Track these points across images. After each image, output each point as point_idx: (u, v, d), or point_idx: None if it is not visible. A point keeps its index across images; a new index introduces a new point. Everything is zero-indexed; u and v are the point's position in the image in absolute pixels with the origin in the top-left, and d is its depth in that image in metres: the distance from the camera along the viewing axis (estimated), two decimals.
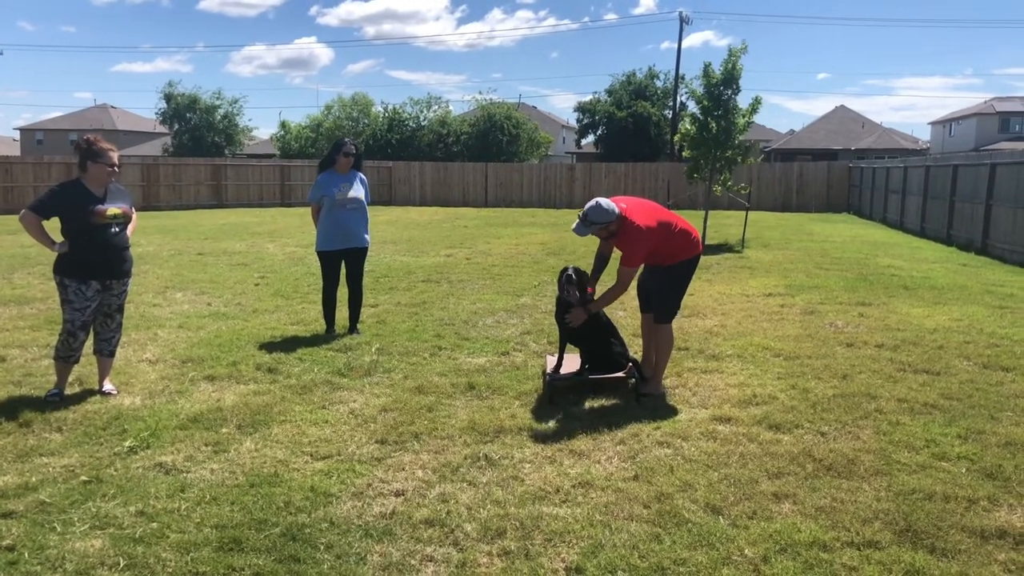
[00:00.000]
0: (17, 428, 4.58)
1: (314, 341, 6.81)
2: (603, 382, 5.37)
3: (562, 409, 5.01)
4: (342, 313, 7.26)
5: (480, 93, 55.60)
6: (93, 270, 5.04)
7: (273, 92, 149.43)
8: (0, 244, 14.77)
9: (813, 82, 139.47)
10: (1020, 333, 7.29)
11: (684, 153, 16.99)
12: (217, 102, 43.08)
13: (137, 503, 3.64)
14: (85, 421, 4.72)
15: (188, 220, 22.14)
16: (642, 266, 5.41)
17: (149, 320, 7.72)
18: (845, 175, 28.99)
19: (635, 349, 6.02)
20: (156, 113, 44.34)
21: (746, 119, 15.88)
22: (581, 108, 47.43)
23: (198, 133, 42.39)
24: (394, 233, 18.02)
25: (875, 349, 6.66)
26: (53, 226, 4.96)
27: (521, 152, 40.86)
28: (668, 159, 38.34)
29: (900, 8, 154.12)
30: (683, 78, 37.33)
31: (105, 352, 5.33)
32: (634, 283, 5.63)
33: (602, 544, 3.30)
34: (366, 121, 42.10)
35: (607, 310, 5.64)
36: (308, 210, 7.42)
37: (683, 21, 40.83)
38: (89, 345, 5.29)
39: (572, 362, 5.49)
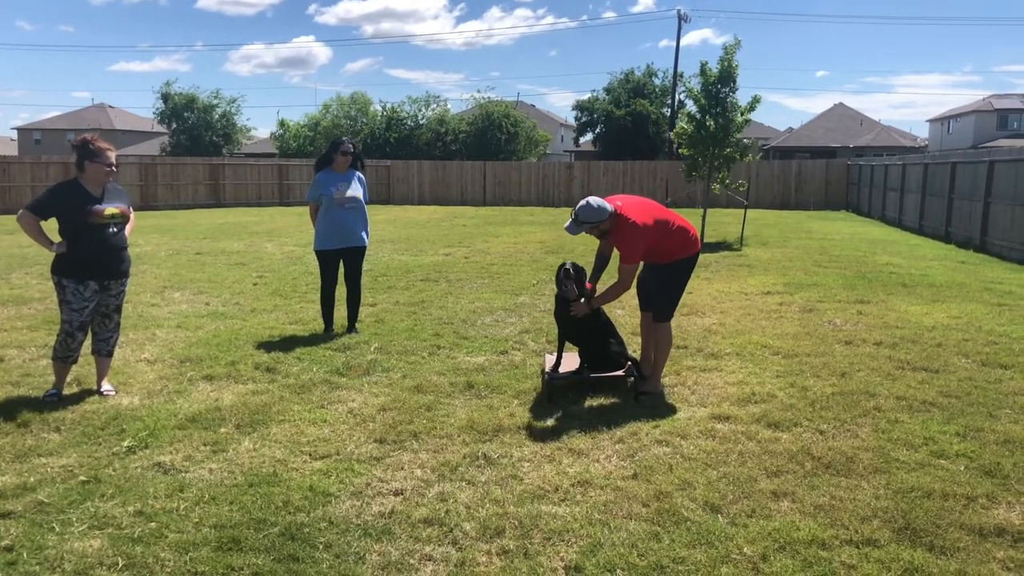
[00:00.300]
0: (15, 428, 4.58)
1: (312, 340, 6.80)
2: (602, 381, 5.37)
3: (561, 408, 5.01)
4: (340, 312, 7.26)
5: (478, 92, 55.62)
6: (91, 270, 5.03)
7: (271, 91, 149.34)
8: None
9: (812, 80, 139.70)
10: (1018, 330, 7.30)
11: (682, 151, 16.99)
12: (215, 101, 43.05)
13: (136, 503, 3.63)
14: (83, 421, 4.71)
15: (186, 219, 22.12)
16: (642, 264, 5.42)
17: (147, 320, 7.71)
18: (843, 173, 29.00)
19: (634, 348, 6.02)
20: (154, 112, 44.32)
21: (744, 117, 15.88)
22: (579, 106, 47.43)
23: (196, 132, 42.34)
24: (392, 232, 18.01)
25: (874, 347, 6.66)
26: (51, 226, 4.95)
27: (519, 151, 40.86)
28: (666, 157, 38.33)
29: (899, 6, 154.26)
30: (681, 76, 37.34)
31: (103, 352, 5.33)
32: (634, 281, 5.63)
33: (601, 543, 3.30)
34: (364, 120, 42.08)
35: (607, 309, 5.64)
36: (306, 209, 7.42)
37: (681, 19, 40.91)
38: (87, 345, 5.28)
39: (571, 361, 5.49)
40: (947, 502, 3.67)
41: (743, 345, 6.69)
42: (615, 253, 5.40)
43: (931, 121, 55.63)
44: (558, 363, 5.42)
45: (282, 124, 44.45)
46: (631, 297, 6.16)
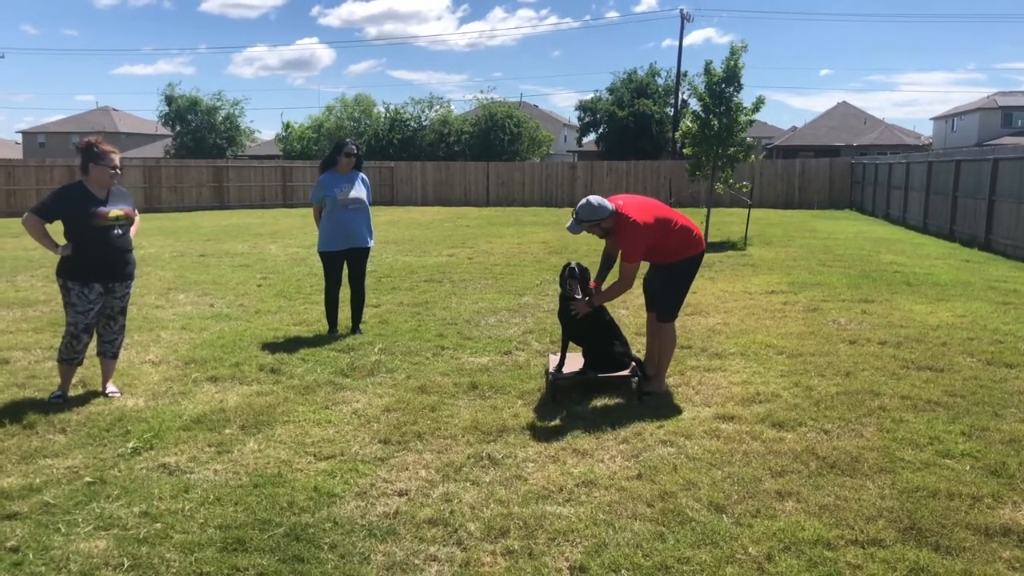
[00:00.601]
0: (21, 430, 4.59)
1: (317, 341, 6.81)
2: (606, 381, 5.37)
3: (565, 408, 5.01)
4: (344, 313, 7.27)
5: (481, 92, 55.61)
6: (96, 272, 5.05)
7: (275, 93, 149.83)
8: (3, 247, 14.81)
9: (815, 78, 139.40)
10: (1023, 329, 7.28)
11: (686, 151, 16.97)
12: (218, 103, 43.09)
13: (141, 504, 3.64)
14: (89, 423, 4.73)
15: (190, 222, 22.17)
16: (648, 264, 5.41)
17: (152, 322, 7.73)
18: (847, 171, 28.93)
19: (638, 348, 6.01)
20: (157, 115, 44.33)
21: (748, 117, 15.85)
22: (582, 106, 47.35)
23: (199, 135, 42.37)
24: (396, 233, 18.02)
25: (878, 346, 6.65)
26: (56, 229, 4.97)
27: (523, 151, 40.82)
28: (670, 157, 38.27)
29: (902, 4, 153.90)
30: (685, 75, 37.31)
31: (108, 354, 5.34)
32: (640, 281, 5.63)
33: (606, 543, 3.30)
34: (368, 121, 42.08)
35: (610, 309, 5.63)
36: (310, 211, 7.43)
37: (684, 19, 40.77)
38: (92, 347, 5.30)
39: (575, 361, 5.48)
40: (952, 502, 3.66)
41: (747, 345, 6.68)
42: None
43: (935, 119, 55.47)
44: (562, 363, 5.42)
45: (287, 127, 44.50)
46: (635, 297, 6.16)
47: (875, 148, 42.37)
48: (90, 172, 5.03)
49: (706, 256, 5.61)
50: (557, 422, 4.77)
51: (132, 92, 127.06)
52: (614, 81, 46.50)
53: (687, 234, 5.32)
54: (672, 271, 5.32)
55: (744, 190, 16.95)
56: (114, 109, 66.98)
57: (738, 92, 15.87)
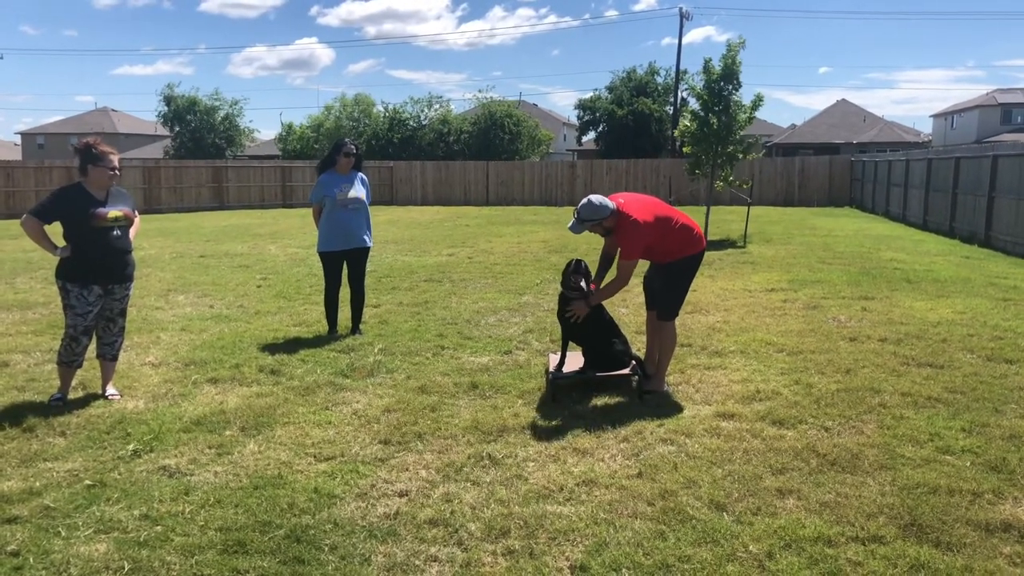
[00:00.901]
0: (21, 433, 4.59)
1: (316, 342, 6.81)
2: (606, 380, 5.37)
3: (565, 407, 5.01)
4: (344, 314, 7.26)
5: (480, 91, 55.51)
6: (95, 274, 5.04)
7: (274, 93, 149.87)
8: (2, 249, 14.81)
9: (814, 76, 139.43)
10: (1023, 325, 7.27)
11: (685, 149, 16.96)
12: (217, 104, 43.03)
13: (141, 507, 3.64)
14: (88, 425, 4.72)
15: (189, 222, 22.17)
16: (648, 263, 5.41)
17: (151, 323, 7.73)
18: (847, 169, 28.93)
19: (638, 346, 6.01)
20: (156, 115, 44.30)
21: (747, 115, 15.85)
22: (582, 105, 47.32)
23: (199, 135, 42.33)
24: (396, 233, 18.02)
25: (878, 343, 6.65)
26: (55, 230, 4.97)
27: (522, 150, 40.79)
28: (669, 155, 38.26)
29: (901, 1, 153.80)
30: (684, 73, 37.28)
31: (108, 356, 5.34)
32: (640, 280, 5.63)
33: (606, 542, 3.30)
34: (367, 121, 42.03)
35: (609, 308, 5.63)
36: (309, 211, 7.43)
37: (683, 17, 40.78)
38: (92, 349, 5.30)
39: (575, 360, 5.48)
40: (953, 498, 3.66)
41: (747, 343, 6.68)
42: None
43: (934, 116, 55.43)
44: (562, 363, 5.41)
45: (288, 128, 44.48)
46: (635, 295, 6.16)
47: (875, 145, 42.36)
48: (89, 173, 5.02)
49: (706, 254, 5.60)
50: (557, 421, 4.77)
51: (131, 93, 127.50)
52: (613, 80, 46.49)
53: (688, 233, 5.31)
54: (672, 270, 5.32)
55: (744, 187, 16.95)
56: (113, 110, 66.96)
57: (737, 90, 15.87)
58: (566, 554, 3.22)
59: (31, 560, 3.18)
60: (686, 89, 23.89)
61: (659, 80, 45.98)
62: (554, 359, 5.54)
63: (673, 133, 22.04)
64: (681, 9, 40.62)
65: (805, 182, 29.31)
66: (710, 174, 16.42)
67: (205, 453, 4.31)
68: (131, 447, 4.35)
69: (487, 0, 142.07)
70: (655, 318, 5.48)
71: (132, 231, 5.27)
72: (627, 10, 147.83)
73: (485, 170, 32.54)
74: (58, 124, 65.15)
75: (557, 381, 5.26)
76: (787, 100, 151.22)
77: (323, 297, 7.23)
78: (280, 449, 4.36)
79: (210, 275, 11.16)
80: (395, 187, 32.68)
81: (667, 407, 5.02)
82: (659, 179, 29.53)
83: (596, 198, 5.13)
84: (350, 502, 3.70)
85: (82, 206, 4.96)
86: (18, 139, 67.37)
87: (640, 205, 5.20)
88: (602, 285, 5.44)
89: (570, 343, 5.51)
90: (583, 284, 5.28)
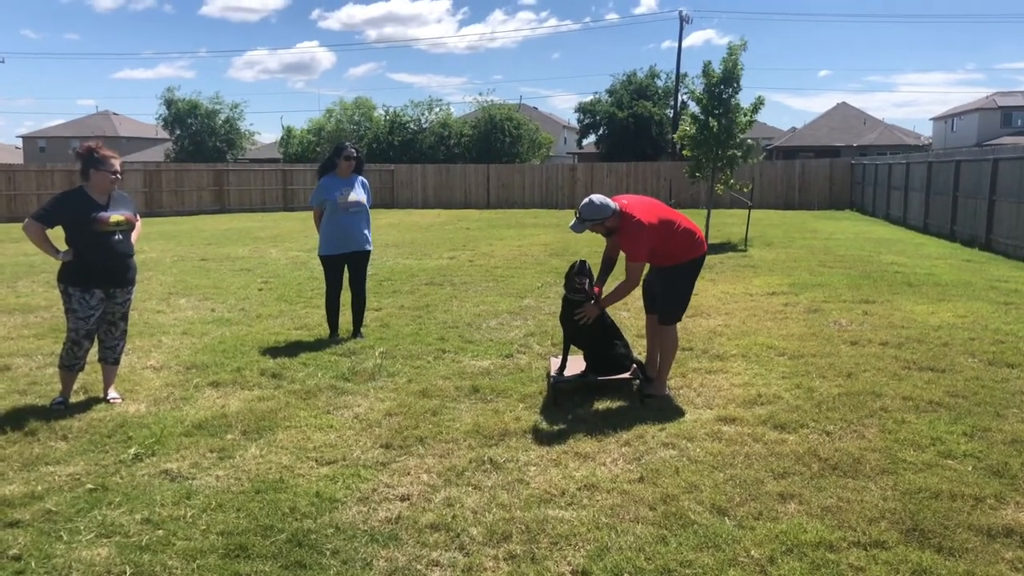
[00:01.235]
0: (23, 437, 4.59)
1: (318, 346, 6.81)
2: (607, 384, 5.37)
3: (566, 411, 5.01)
4: (346, 317, 7.27)
5: (481, 95, 55.57)
6: (97, 278, 5.05)
7: (275, 96, 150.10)
8: (4, 252, 14.82)
9: (814, 79, 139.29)
10: None
11: (685, 152, 16.96)
12: (217, 107, 43.08)
13: (143, 511, 3.64)
14: (90, 429, 4.72)
15: (191, 226, 22.18)
16: (648, 266, 5.41)
17: (153, 327, 7.73)
18: (847, 172, 28.93)
19: (639, 350, 6.01)
20: (157, 119, 44.33)
21: (748, 118, 15.85)
22: (582, 108, 47.38)
23: (199, 138, 42.37)
24: (397, 236, 18.03)
25: (879, 347, 6.64)
26: (57, 234, 4.97)
27: (523, 153, 40.82)
28: (670, 158, 38.29)
29: (901, 4, 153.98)
30: (684, 76, 37.28)
31: (110, 360, 5.34)
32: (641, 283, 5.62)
33: (608, 547, 3.30)
34: (368, 124, 42.06)
35: (611, 313, 5.63)
36: (310, 214, 7.44)
37: (683, 20, 40.84)
38: (94, 353, 5.30)
39: (576, 364, 5.48)
40: (955, 503, 3.66)
41: (748, 346, 6.68)
42: (621, 256, 5.40)
43: (935, 119, 55.46)
44: (563, 366, 5.41)
45: (288, 131, 44.52)
46: (636, 299, 6.15)
47: (875, 148, 42.38)
48: (91, 178, 5.03)
49: (707, 258, 5.61)
50: (559, 425, 4.76)
51: (132, 96, 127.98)
52: (614, 83, 46.55)
53: (689, 236, 5.32)
54: (673, 274, 5.32)
55: (745, 190, 16.95)
56: (114, 113, 67.05)
57: (737, 93, 15.86)
58: (568, 559, 3.22)
59: (33, 564, 3.18)
60: (686, 92, 23.93)
61: (659, 83, 46.06)
62: (555, 363, 5.54)
63: (673, 137, 22.00)
64: (681, 12, 40.71)
65: (805, 185, 29.32)
66: (710, 177, 16.43)
67: (207, 457, 4.31)
68: (133, 451, 4.35)
69: (488, 3, 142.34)
70: (656, 322, 5.48)
71: (134, 235, 5.28)
72: (627, 13, 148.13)
73: (486, 173, 32.56)
74: (59, 128, 65.21)
75: (558, 385, 5.26)
76: (787, 103, 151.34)
77: (324, 301, 7.23)
78: (281, 453, 4.36)
79: (211, 279, 11.17)
80: (396, 190, 32.70)
81: (668, 411, 5.02)
82: (659, 182, 29.53)
83: (597, 198, 5.15)
84: (352, 506, 3.70)
85: (84, 210, 4.97)
86: (19, 143, 67.43)
87: (643, 207, 5.21)
88: (605, 287, 5.45)
89: (571, 347, 5.51)
90: (588, 285, 5.29)
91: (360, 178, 7.11)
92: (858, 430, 4.65)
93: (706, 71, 15.88)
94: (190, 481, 3.99)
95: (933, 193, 18.53)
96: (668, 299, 5.36)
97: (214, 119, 42.97)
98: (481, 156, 38.60)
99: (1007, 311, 8.21)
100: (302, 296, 9.51)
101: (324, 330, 7.26)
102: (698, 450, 4.35)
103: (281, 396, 5.38)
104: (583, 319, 5.23)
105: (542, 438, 4.55)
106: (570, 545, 3.33)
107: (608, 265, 5.56)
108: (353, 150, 7.04)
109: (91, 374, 5.53)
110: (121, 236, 5.12)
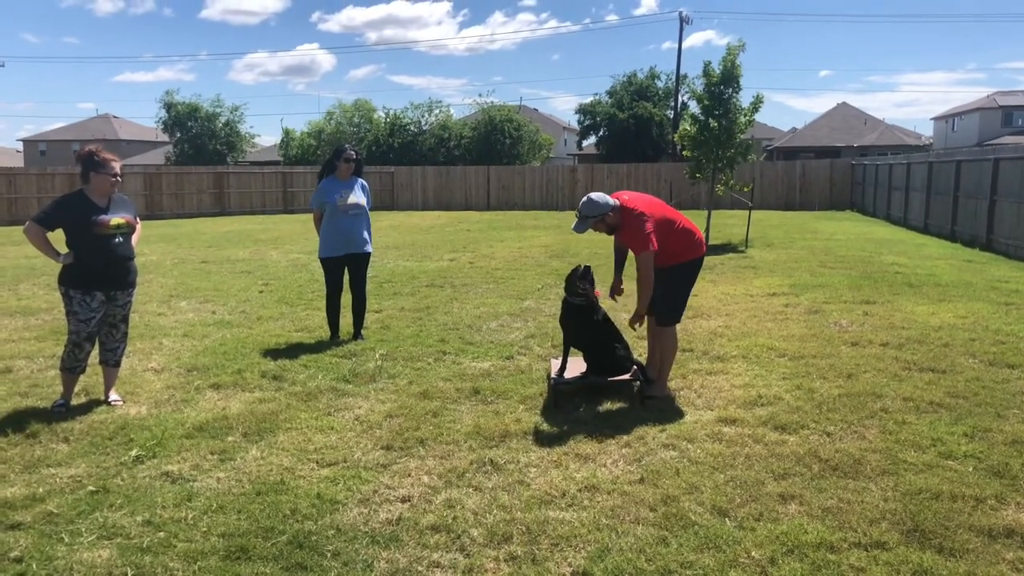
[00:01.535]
0: (24, 439, 4.60)
1: (318, 348, 6.82)
2: (608, 385, 5.37)
3: (567, 413, 5.01)
4: (346, 319, 7.27)
5: (481, 96, 55.61)
6: (97, 281, 5.05)
7: (275, 99, 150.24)
8: (5, 255, 14.83)
9: (815, 80, 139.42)
10: None
11: (685, 153, 16.97)
12: (217, 110, 43.11)
13: (144, 512, 3.64)
14: (91, 431, 4.73)
15: (191, 228, 22.20)
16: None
17: (154, 329, 7.74)
18: (848, 172, 28.93)
19: (639, 351, 6.01)
20: (157, 122, 44.37)
21: (747, 118, 15.86)
22: (582, 110, 47.39)
23: (199, 141, 42.39)
24: (397, 238, 18.04)
25: (880, 348, 6.64)
26: (58, 237, 4.98)
27: (523, 155, 40.83)
28: (670, 159, 38.30)
29: (901, 4, 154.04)
30: (684, 77, 37.27)
31: (111, 362, 5.35)
32: None
33: (609, 548, 3.30)
34: (368, 127, 42.10)
35: (611, 313, 5.64)
36: (310, 216, 7.44)
37: (683, 21, 40.83)
38: (95, 355, 5.31)
39: (577, 365, 5.48)
40: (955, 504, 3.66)
41: (749, 347, 6.68)
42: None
43: (935, 119, 55.45)
44: (563, 368, 5.42)
45: (288, 134, 44.56)
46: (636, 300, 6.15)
47: (875, 149, 42.38)
48: (91, 180, 5.04)
49: (707, 258, 5.62)
50: (559, 427, 4.77)
51: (133, 99, 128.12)
52: (614, 84, 46.58)
53: (689, 237, 5.32)
54: (673, 274, 5.32)
55: (745, 191, 16.95)
56: (115, 116, 67.08)
57: (737, 93, 15.88)
58: (568, 560, 3.22)
59: (34, 566, 3.19)
60: (686, 93, 23.98)
61: (659, 84, 46.07)
62: (556, 364, 5.55)
63: (673, 137, 22.02)
64: (681, 13, 40.67)
65: (806, 186, 29.32)
66: (711, 178, 16.43)
67: (208, 459, 4.32)
68: (134, 453, 4.36)
69: (488, 5, 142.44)
70: (655, 323, 5.49)
71: (134, 238, 5.29)
72: (627, 14, 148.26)
73: (486, 175, 32.57)
74: (60, 131, 65.28)
75: (559, 386, 5.26)
76: (787, 103, 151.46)
77: (325, 302, 7.24)
78: (282, 455, 4.37)
79: (212, 281, 11.18)
80: (396, 192, 32.71)
81: (669, 412, 5.02)
82: (660, 183, 29.53)
83: (596, 195, 5.17)
84: (352, 508, 3.70)
85: (84, 213, 4.98)
86: (20, 146, 67.47)
87: (645, 202, 5.25)
88: (623, 285, 5.54)
89: (572, 348, 5.51)
90: (590, 291, 5.31)
91: (360, 180, 7.11)
92: (859, 431, 4.66)
93: (706, 71, 15.90)
94: (191, 483, 4.00)
95: (934, 193, 18.53)
96: (667, 300, 5.36)
97: (214, 122, 42.99)
98: (481, 158, 38.61)
99: (1008, 312, 8.21)
100: (303, 298, 9.52)
101: (325, 332, 7.27)
102: (699, 451, 4.35)
103: (282, 398, 5.38)
104: (635, 326, 5.26)
105: (543, 439, 4.55)
106: (571, 546, 3.33)
107: (621, 256, 5.58)
108: (352, 152, 7.05)
109: (92, 376, 5.54)
110: (121, 239, 5.12)
